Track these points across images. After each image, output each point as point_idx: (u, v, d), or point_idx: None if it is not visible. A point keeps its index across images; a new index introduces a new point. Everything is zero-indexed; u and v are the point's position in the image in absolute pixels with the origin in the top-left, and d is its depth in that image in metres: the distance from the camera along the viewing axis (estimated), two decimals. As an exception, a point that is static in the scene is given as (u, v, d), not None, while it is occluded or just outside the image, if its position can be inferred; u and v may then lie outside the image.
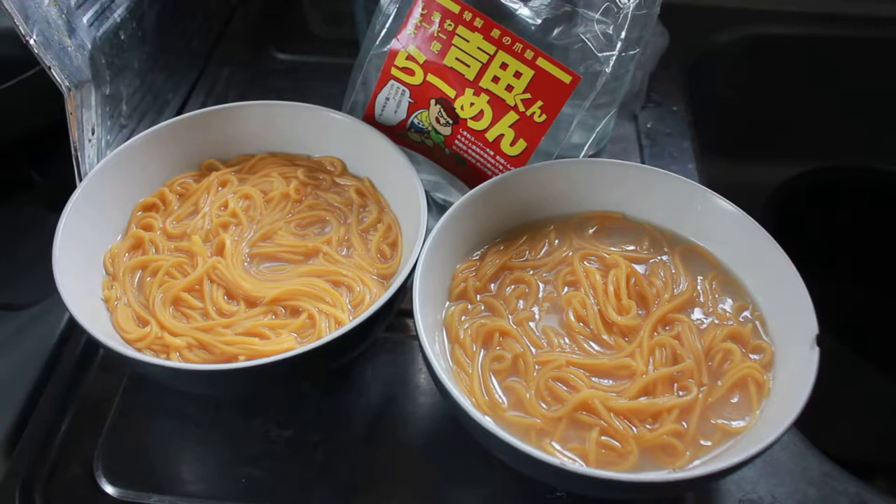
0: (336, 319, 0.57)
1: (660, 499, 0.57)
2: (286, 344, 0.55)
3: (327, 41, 0.96)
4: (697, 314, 0.58)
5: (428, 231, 0.56)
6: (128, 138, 0.66)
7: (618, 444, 0.51)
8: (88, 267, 0.60)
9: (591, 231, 0.63)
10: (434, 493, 0.57)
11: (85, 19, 0.63)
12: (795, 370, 0.51)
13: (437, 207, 0.71)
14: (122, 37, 0.69)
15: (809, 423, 0.61)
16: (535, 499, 0.57)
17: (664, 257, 0.61)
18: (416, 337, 0.51)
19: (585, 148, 0.65)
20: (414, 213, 0.60)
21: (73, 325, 0.62)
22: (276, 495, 0.57)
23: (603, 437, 0.51)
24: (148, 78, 0.75)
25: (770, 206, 0.73)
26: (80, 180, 0.61)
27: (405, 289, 0.55)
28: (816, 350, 0.50)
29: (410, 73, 0.64)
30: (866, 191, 0.79)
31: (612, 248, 0.62)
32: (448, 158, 0.67)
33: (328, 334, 0.52)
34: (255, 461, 0.58)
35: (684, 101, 0.87)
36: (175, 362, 0.54)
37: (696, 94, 0.88)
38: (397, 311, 0.57)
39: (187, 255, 0.62)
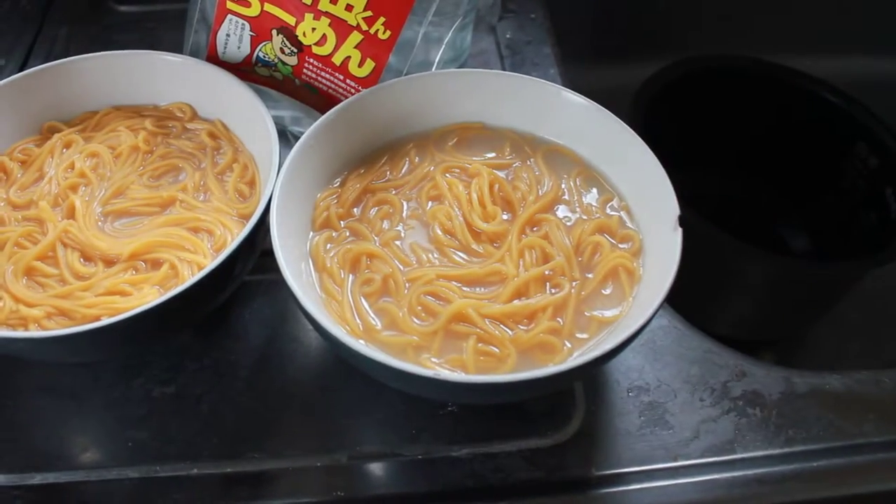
0: (199, 266, 0.54)
1: (552, 398, 0.57)
2: (149, 297, 0.52)
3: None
4: (564, 212, 0.57)
5: (285, 165, 0.54)
6: (-43, 108, 0.61)
7: (496, 349, 0.50)
8: (-71, 249, 0.56)
9: (451, 143, 0.61)
10: (325, 427, 0.56)
11: None
12: (663, 253, 0.51)
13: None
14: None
15: (692, 308, 0.62)
16: (425, 417, 0.56)
17: (527, 161, 0.60)
18: (284, 272, 0.49)
19: (436, 62, 0.63)
20: (269, 148, 0.57)
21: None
22: (164, 454, 0.54)
23: (480, 345, 0.50)
24: (-26, 44, 0.70)
25: (636, 103, 0.72)
26: None
27: (265, 224, 0.52)
28: (679, 231, 0.50)
29: (246, 4, 0.61)
30: (728, 79, 0.80)
31: (474, 158, 0.60)
32: (300, 89, 0.64)
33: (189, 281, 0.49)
34: (140, 423, 0.56)
35: (542, 7, 0.85)
36: (31, 332, 0.51)
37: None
38: (262, 249, 0.55)
39: (36, 222, 0.58)
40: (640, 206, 0.56)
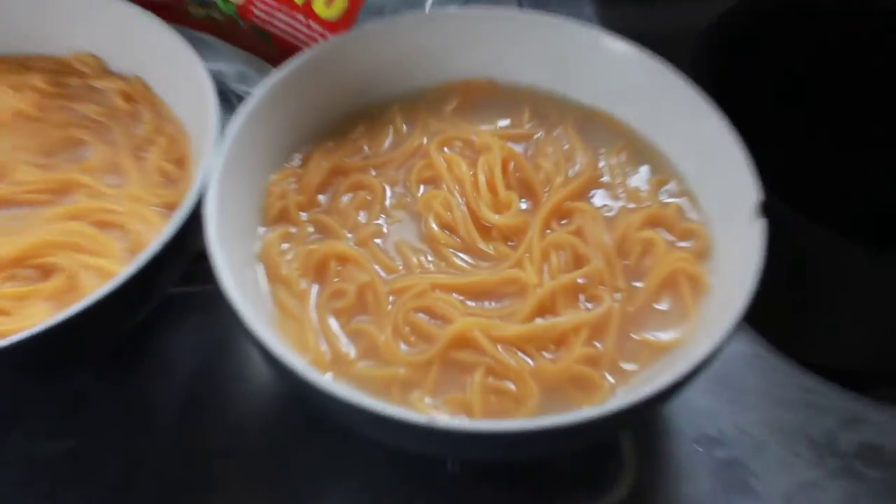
0: (107, 274, 0.53)
1: (590, 453, 0.56)
2: (37, 318, 0.51)
3: None
4: (603, 198, 0.57)
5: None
6: None
7: (511, 385, 0.49)
8: None
9: (450, 107, 0.61)
10: (280, 498, 0.55)
11: None
12: (738, 254, 0.50)
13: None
14: None
15: (782, 329, 0.60)
16: (417, 482, 0.55)
17: (554, 130, 0.60)
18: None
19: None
20: (204, 115, 0.56)
21: None
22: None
23: (490, 379, 0.49)
24: None
25: (699, 53, 0.72)
26: None
27: (199, 217, 0.52)
28: (760, 222, 0.49)
29: (174, -81, 0.60)
30: (824, 19, 0.79)
31: (482, 127, 0.60)
32: (247, 35, 0.64)
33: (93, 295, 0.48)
34: (19, 493, 0.55)
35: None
36: None
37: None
38: (195, 251, 0.54)
39: None
40: (707, 190, 0.56)
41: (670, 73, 0.57)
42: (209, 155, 0.53)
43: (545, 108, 0.61)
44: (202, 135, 0.57)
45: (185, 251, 0.54)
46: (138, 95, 0.63)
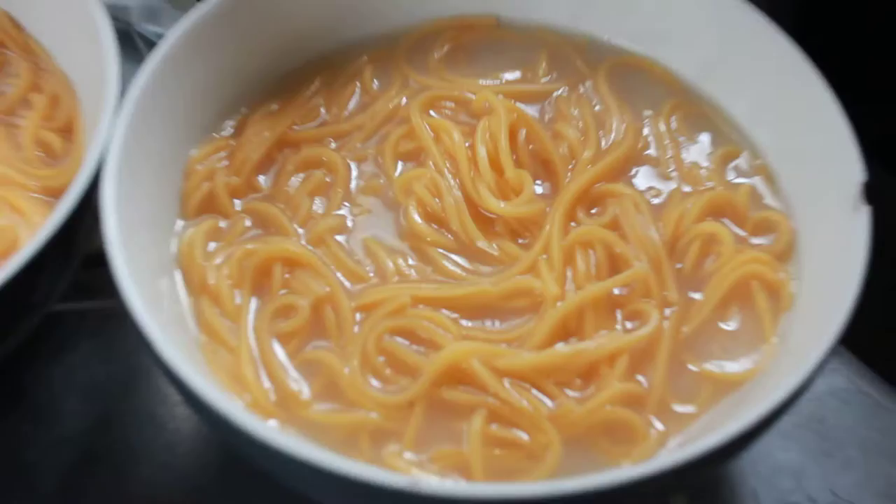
0: (-36, 285, 0.55)
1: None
2: None
3: None
4: (648, 178, 0.58)
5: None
6: None
7: (523, 434, 0.50)
8: None
9: (439, 55, 0.62)
10: None
11: None
12: (834, 254, 0.52)
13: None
14: None
15: (890, 354, 0.61)
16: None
17: (581, 85, 0.61)
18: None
19: None
20: (99, 66, 0.57)
21: None
22: None
23: (494, 427, 0.50)
24: None
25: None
26: None
27: (94, 207, 0.52)
28: (864, 210, 0.50)
29: None
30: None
31: (482, 81, 0.61)
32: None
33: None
34: None
35: None
36: None
37: None
38: (88, 253, 0.55)
39: None
40: (791, 166, 0.57)
41: (741, 6, 0.57)
42: (107, 122, 0.54)
43: (569, 54, 0.62)
44: (97, 94, 0.58)
45: (75, 253, 0.55)
46: (7, 39, 0.64)
